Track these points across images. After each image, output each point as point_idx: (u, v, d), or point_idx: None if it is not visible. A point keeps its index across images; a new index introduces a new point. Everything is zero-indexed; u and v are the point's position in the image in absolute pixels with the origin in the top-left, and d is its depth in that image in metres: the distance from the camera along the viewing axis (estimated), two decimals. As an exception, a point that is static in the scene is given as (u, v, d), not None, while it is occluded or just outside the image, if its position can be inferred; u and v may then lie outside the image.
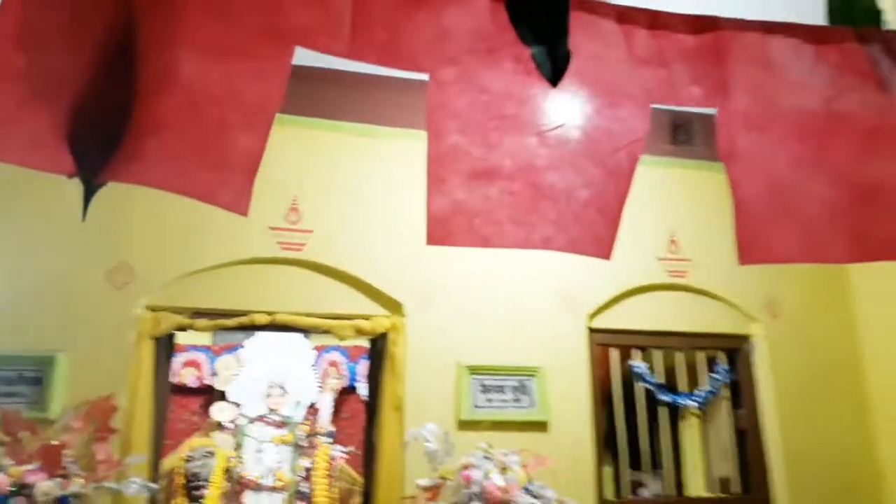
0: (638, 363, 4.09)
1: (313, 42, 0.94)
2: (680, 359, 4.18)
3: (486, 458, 3.19)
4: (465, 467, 3.15)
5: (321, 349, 5.71)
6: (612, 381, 4.05)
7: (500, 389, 3.76)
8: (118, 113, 0.87)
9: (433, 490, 3.16)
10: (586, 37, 1.03)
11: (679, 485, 4.21)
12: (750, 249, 1.01)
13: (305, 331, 3.87)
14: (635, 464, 4.17)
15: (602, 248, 0.99)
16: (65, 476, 2.86)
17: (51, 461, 2.87)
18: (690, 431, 4.28)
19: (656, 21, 1.07)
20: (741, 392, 4.13)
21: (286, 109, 1.07)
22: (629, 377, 4.08)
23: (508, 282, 3.84)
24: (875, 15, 1.24)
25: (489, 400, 3.73)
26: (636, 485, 4.26)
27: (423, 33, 0.96)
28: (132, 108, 0.85)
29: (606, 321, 4.00)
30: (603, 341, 4.00)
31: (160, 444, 3.59)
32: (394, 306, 3.71)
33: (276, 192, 3.64)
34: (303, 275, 3.71)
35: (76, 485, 2.84)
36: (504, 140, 0.97)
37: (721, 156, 1.04)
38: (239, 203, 0.96)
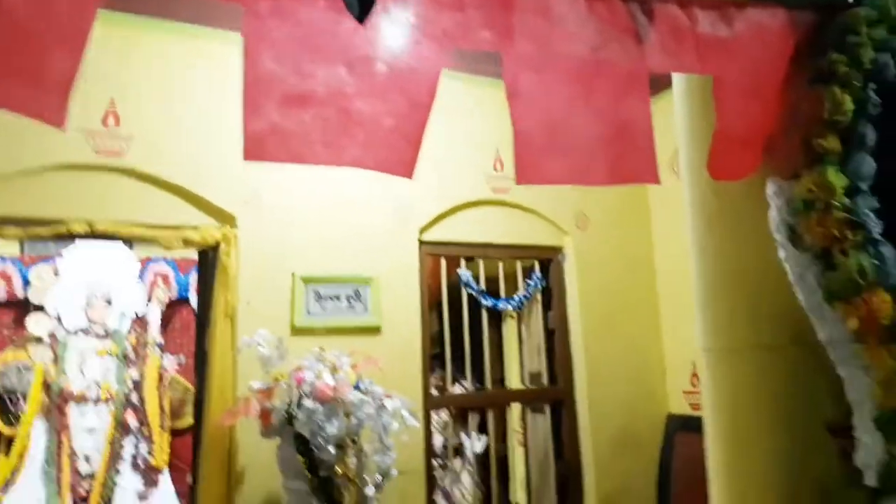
0: (464, 271, 4.44)
1: None
2: (501, 267, 4.59)
3: (319, 360, 3.39)
4: (298, 369, 3.33)
5: (147, 261, 5.54)
6: (440, 289, 4.38)
7: (336, 298, 3.94)
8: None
9: (266, 392, 3.32)
10: (393, -21, 1.15)
11: (499, 379, 4.72)
12: (525, 172, 1.23)
13: (129, 241, 3.74)
14: (460, 363, 4.61)
15: (406, 168, 1.16)
16: None
17: None
18: (508, 332, 4.78)
19: (457, -33, 1.21)
20: (553, 297, 4.64)
21: (106, 5, 1.07)
22: (456, 284, 4.43)
23: (344, 195, 3.95)
24: None
25: (323, 308, 3.90)
26: (457, 380, 4.72)
27: (239, -36, 1.03)
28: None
29: (437, 234, 4.27)
30: (433, 252, 4.28)
31: (-34, 358, 3.40)
32: (225, 217, 3.70)
33: (92, 94, 3.41)
34: (124, 182, 3.55)
35: None
36: (317, 70, 1.08)
37: (506, 94, 1.23)
38: (57, 117, 0.99)
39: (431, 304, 4.30)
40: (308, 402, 3.16)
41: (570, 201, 4.58)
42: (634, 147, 1.32)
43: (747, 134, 1.48)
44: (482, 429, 4.49)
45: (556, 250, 4.67)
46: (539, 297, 4.70)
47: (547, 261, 4.68)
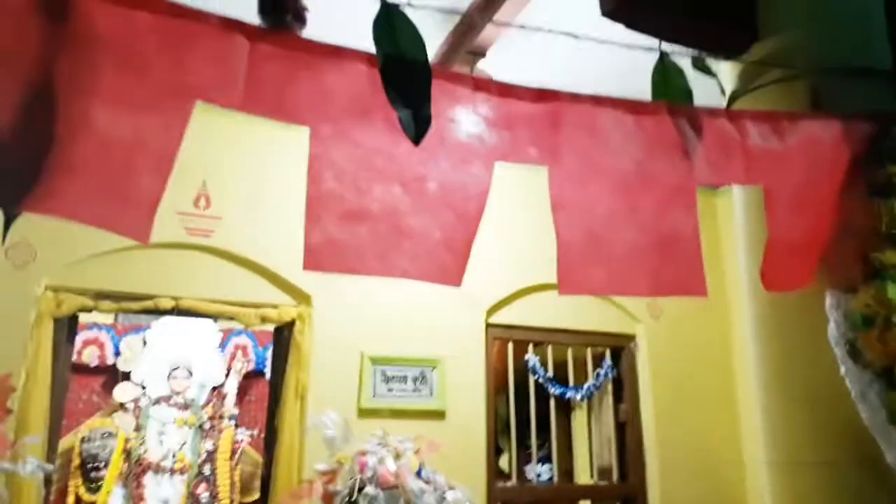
0: (532, 356, 4.41)
1: (211, 97, 1.12)
2: (570, 354, 4.54)
3: (381, 444, 3.42)
4: (361, 453, 3.36)
5: (228, 333, 5.79)
6: (507, 373, 4.36)
7: (402, 379, 4.00)
8: (36, 153, 1.02)
9: (330, 474, 3.37)
10: (446, 102, 1.26)
11: (567, 472, 4.59)
12: (567, 282, 1.27)
13: (212, 316, 3.96)
14: (526, 454, 4.53)
15: (452, 278, 1.23)
16: (-43, 456, 2.89)
17: (-57, 441, 2.89)
18: (577, 423, 4.67)
19: (505, 91, 1.30)
20: (624, 387, 4.53)
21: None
22: (524, 370, 4.40)
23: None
24: (686, 93, 1.54)
25: (390, 389, 3.96)
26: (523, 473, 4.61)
27: (305, 93, 1.16)
28: (49, 149, 1.01)
29: (504, 317, 4.29)
30: (500, 335, 4.30)
31: (58, 424, 3.64)
32: (301, 296, 3.87)
33: (186, 177, 3.70)
34: (210, 261, 3.80)
35: (-32, 465, 2.88)
36: (373, 188, 1.19)
37: (551, 206, 1.30)
38: (141, 232, 1.12)
39: (498, 389, 4.29)
40: (370, 489, 3.17)
41: (643, 289, 4.53)
42: (680, 259, 1.34)
43: (800, 245, 1.47)
44: (548, 523, 4.34)
45: (629, 338, 4.59)
46: (610, 387, 4.59)
47: (619, 349, 4.60)
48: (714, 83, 1.72)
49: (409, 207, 1.19)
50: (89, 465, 5.23)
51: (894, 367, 1.34)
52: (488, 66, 3.20)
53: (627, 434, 4.47)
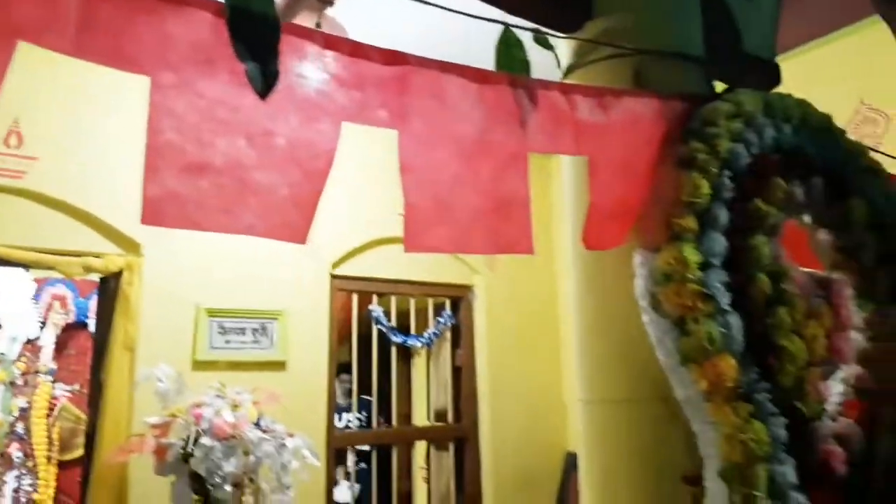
0: (375, 307, 4.51)
1: (38, 38, 1.03)
2: (413, 305, 4.70)
3: (218, 396, 3.37)
4: (197, 405, 3.30)
5: (44, 282, 5.32)
6: (351, 324, 4.43)
7: (241, 331, 3.93)
8: None
9: (163, 427, 3.28)
10: (295, 58, 1.25)
11: (406, 416, 4.79)
12: (412, 241, 1.35)
13: (28, 265, 3.63)
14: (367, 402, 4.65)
15: (297, 236, 1.25)
16: None
17: None
18: (417, 369, 4.88)
19: (357, 50, 1.32)
20: (461, 334, 4.78)
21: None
22: (367, 320, 4.50)
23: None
24: (525, 65, 1.65)
25: (227, 341, 3.89)
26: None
27: (145, 40, 1.10)
28: None
29: (348, 269, 4.34)
30: (344, 287, 4.35)
31: None
32: (130, 245, 3.65)
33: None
34: (24, 205, 3.46)
35: None
36: (216, 141, 1.16)
37: (400, 168, 1.35)
38: None
39: (341, 339, 4.35)
40: (206, 440, 3.13)
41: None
42: (513, 221, 1.47)
43: (617, 210, 1.65)
44: (386, 465, 4.53)
45: (468, 289, 4.82)
46: (448, 334, 4.83)
47: (458, 299, 4.82)
48: (552, 56, 1.84)
49: (255, 162, 1.19)
50: None
51: (686, 316, 1.56)
52: (338, 14, 3.15)
53: (463, 379, 4.75)
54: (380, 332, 4.51)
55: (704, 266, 1.59)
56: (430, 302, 4.76)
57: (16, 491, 4.91)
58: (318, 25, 2.94)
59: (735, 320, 1.59)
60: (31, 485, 4.96)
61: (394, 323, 4.55)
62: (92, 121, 3.64)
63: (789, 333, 1.66)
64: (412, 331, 4.73)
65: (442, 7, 1.39)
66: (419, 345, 4.67)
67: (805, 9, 3.20)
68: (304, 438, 3.40)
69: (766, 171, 1.73)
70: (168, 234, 3.69)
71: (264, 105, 1.16)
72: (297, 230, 1.24)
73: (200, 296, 3.82)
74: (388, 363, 4.53)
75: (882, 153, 2.18)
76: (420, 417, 5.30)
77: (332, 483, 4.12)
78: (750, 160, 1.73)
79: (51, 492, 4.92)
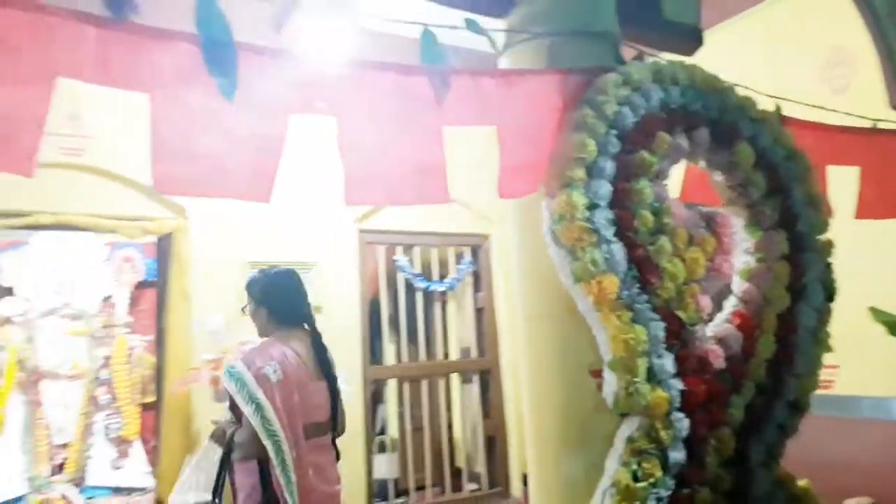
0: (400, 257, 5.08)
1: (68, 73, 1.56)
2: (435, 254, 5.24)
3: (261, 336, 4.01)
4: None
5: (114, 245, 6.10)
6: (378, 273, 5.02)
7: (279, 281, 4.55)
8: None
9: (216, 362, 3.95)
10: (251, 70, 1.77)
11: (432, 353, 5.38)
12: (351, 197, 1.86)
13: (92, 230, 4.33)
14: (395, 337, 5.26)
15: (261, 196, 1.78)
16: None
17: None
18: (442, 312, 5.44)
19: (295, 57, 1.83)
20: (481, 279, 5.30)
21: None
22: (393, 269, 5.07)
23: (291, 188, 4.55)
24: (441, 56, 2.10)
25: (270, 290, 4.52)
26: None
27: (143, 67, 1.64)
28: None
29: (375, 224, 4.89)
30: (372, 240, 4.92)
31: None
32: (176, 209, 4.30)
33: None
34: (87, 178, 4.14)
35: None
36: (200, 135, 1.70)
37: (338, 146, 1.85)
38: (26, 167, 1.58)
39: (370, 286, 4.94)
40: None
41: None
42: (432, 178, 1.95)
43: (522, 167, 2.11)
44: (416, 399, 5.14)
45: (485, 238, 5.32)
46: (470, 279, 5.36)
47: (477, 247, 5.33)
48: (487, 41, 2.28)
49: (226, 147, 1.71)
50: (-17, 376, 5.55)
51: (576, 246, 2.03)
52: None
53: (485, 318, 5.29)
54: (406, 280, 5.07)
55: (592, 207, 2.05)
56: (452, 251, 5.28)
57: (106, 428, 5.74)
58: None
59: (617, 248, 2.06)
60: (117, 424, 5.79)
61: (418, 270, 5.10)
62: (139, 103, 4.25)
63: (671, 257, 2.10)
64: (436, 277, 5.26)
65: (365, 14, 1.87)
66: (442, 289, 5.22)
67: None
68: (341, 372, 4.00)
69: (651, 128, 2.15)
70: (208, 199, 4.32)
71: (231, 107, 1.68)
72: (260, 192, 1.78)
73: (243, 251, 4.45)
74: (413, 307, 5.10)
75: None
76: (449, 355, 5.87)
77: (370, 411, 4.75)
78: (637, 120, 2.15)
79: (136, 429, 5.75)
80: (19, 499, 5.52)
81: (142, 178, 4.21)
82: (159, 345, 4.46)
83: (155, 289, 6.18)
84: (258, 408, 2.29)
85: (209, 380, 3.90)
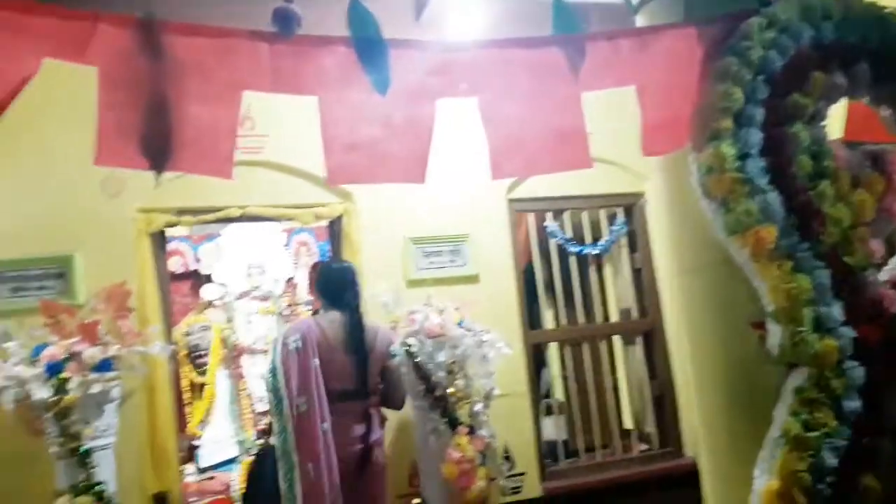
0: (551, 223, 5.16)
1: (251, 87, 1.82)
2: (587, 217, 5.26)
3: (427, 305, 4.29)
4: (411, 313, 4.25)
5: (291, 231, 6.73)
6: (530, 240, 5.14)
7: (439, 254, 4.83)
8: (165, 136, 1.77)
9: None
10: (401, 63, 1.94)
11: (591, 316, 5.42)
12: (497, 171, 1.98)
13: (274, 219, 4.82)
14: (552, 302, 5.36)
15: (416, 177, 1.95)
16: (103, 344, 3.88)
17: (89, 335, 3.79)
18: (599, 275, 5.46)
19: (439, 47, 1.97)
20: (637, 238, 5.25)
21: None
22: (545, 236, 5.16)
23: (442, 169, 4.75)
24: (575, 25, 2.14)
25: (431, 263, 4.81)
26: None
27: (308, 73, 1.85)
28: (171, 132, 1.76)
29: (523, 193, 5.00)
30: (521, 209, 5.04)
31: (169, 317, 4.65)
32: (344, 195, 4.66)
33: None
34: (266, 173, 4.60)
35: (113, 350, 3.87)
36: (361, 127, 1.90)
37: (481, 119, 1.97)
38: (227, 171, 1.87)
39: (523, 253, 5.07)
40: (419, 339, 4.07)
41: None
42: (571, 145, 2.02)
43: (668, 122, 2.12)
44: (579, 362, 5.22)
45: (639, 196, 5.24)
46: (624, 240, 5.32)
47: (630, 206, 5.27)
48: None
49: (384, 135, 1.91)
50: (194, 354, 6.41)
51: (728, 198, 2.01)
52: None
53: (643, 278, 5.24)
54: (558, 245, 5.15)
55: (743, 157, 2.03)
56: (603, 213, 5.26)
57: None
58: None
59: (773, 196, 2.02)
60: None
61: (570, 235, 5.15)
62: (307, 103, 4.63)
63: (833, 201, 2.03)
64: (588, 241, 5.28)
65: None
66: (596, 252, 5.24)
67: None
68: (497, 334, 4.20)
69: (802, 68, 2.06)
70: (372, 185, 4.63)
71: (384, 98, 1.87)
72: (416, 174, 1.96)
73: (406, 229, 4.74)
74: (568, 272, 5.17)
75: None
76: (609, 317, 5.87)
77: (534, 372, 4.91)
78: (786, 62, 2.07)
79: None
80: (232, 460, 6.33)
81: (312, 169, 4.59)
82: (337, 318, 4.86)
83: (329, 269, 6.77)
84: (273, 370, 3.22)
85: (384, 348, 4.21)
